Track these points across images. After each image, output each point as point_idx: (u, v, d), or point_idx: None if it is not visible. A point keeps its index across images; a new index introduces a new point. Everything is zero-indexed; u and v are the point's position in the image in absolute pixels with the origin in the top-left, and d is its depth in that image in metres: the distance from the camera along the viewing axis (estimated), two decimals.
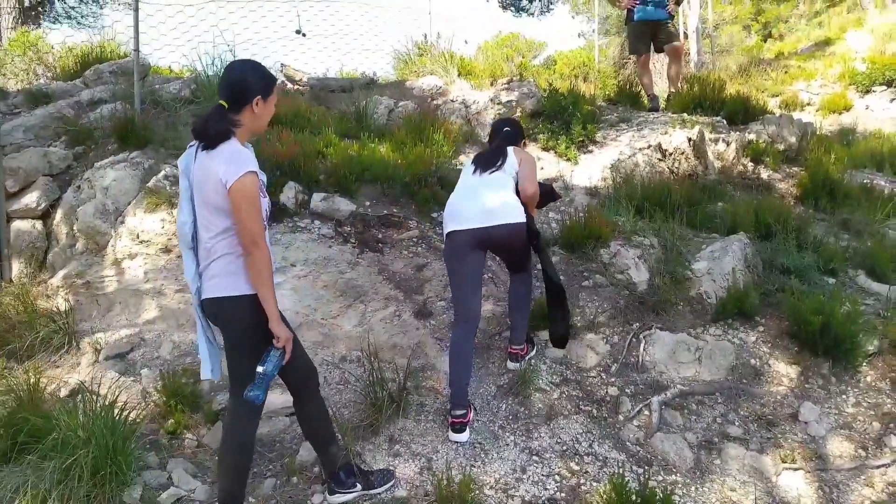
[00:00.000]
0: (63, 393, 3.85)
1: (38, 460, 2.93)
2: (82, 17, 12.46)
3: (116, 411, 3.22)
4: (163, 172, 5.04)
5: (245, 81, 2.59)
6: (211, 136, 2.53)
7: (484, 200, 3.65)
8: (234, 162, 2.46)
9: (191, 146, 2.66)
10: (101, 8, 12.45)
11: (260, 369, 2.54)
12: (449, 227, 3.71)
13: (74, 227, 5.10)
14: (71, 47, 8.14)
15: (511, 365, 3.98)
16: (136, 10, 6.09)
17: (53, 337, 4.31)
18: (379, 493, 3.12)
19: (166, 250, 4.67)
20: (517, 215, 3.64)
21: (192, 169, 2.62)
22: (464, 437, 3.47)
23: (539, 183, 3.88)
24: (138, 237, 4.76)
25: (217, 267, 2.57)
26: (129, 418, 3.32)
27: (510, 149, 3.90)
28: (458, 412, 3.47)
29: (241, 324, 2.60)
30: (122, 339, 4.27)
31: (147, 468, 3.25)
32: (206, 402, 3.70)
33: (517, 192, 3.74)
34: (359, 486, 3.09)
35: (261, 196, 2.56)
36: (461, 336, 3.61)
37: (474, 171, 3.85)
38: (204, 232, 2.58)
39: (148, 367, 4.04)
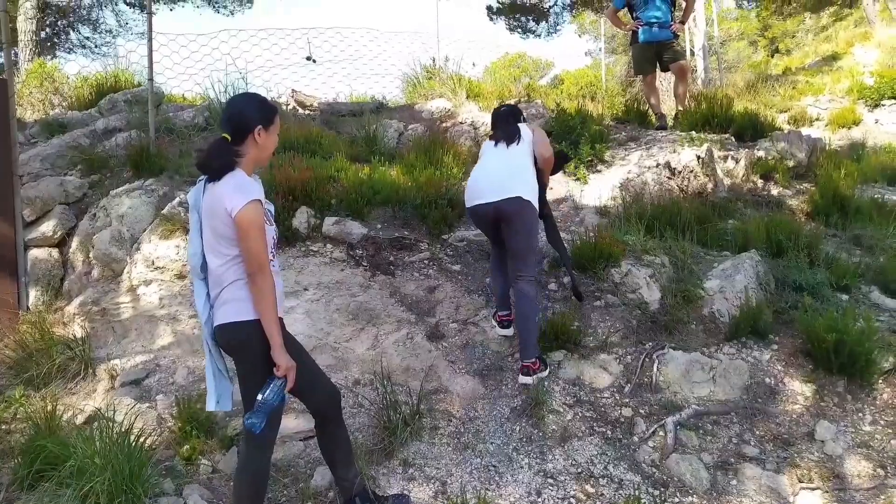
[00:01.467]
0: (79, 420, 3.88)
1: (56, 487, 2.96)
2: (97, 46, 12.72)
3: (132, 438, 3.25)
4: (177, 199, 5.11)
5: (244, 113, 2.64)
6: (214, 169, 2.59)
7: (503, 175, 4.04)
8: (238, 192, 2.51)
9: (200, 180, 2.71)
10: (115, 38, 12.69)
11: (260, 397, 2.55)
12: (469, 202, 4.15)
13: (90, 255, 5.18)
14: (86, 77, 8.32)
15: (522, 379, 3.95)
16: (150, 39, 6.22)
17: (70, 364, 4.36)
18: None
19: (181, 276, 4.73)
20: (529, 193, 3.98)
21: (200, 202, 2.67)
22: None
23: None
24: (153, 264, 4.82)
25: (227, 293, 2.61)
26: (145, 444, 3.34)
27: (519, 124, 4.31)
28: (503, 313, 4.27)
29: (251, 349, 2.61)
30: (137, 366, 4.31)
31: (163, 494, 3.26)
32: (221, 428, 3.72)
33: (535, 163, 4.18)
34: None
35: (267, 224, 2.62)
36: (498, 272, 4.32)
37: (496, 145, 4.24)
38: (215, 259, 2.63)
39: (163, 392, 4.07)
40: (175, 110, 7.18)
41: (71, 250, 5.38)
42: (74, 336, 4.61)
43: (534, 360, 3.97)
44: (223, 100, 7.13)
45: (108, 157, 6.00)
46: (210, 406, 2.79)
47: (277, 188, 4.98)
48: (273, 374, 2.57)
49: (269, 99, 2.82)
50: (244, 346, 2.63)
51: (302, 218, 5.03)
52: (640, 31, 7.49)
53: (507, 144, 4.16)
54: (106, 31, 13.13)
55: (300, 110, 8.45)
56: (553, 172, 4.55)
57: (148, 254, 4.86)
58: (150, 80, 6.27)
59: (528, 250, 4.04)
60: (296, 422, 3.73)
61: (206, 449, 3.60)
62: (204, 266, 2.70)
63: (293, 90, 8.81)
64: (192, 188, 2.75)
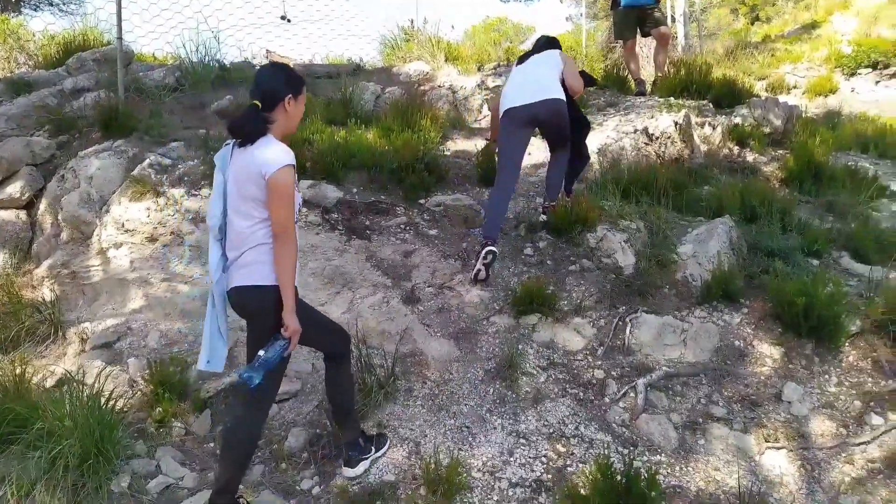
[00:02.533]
0: (49, 383, 3.84)
1: (24, 450, 2.94)
2: (64, 3, 12.29)
3: (103, 400, 3.24)
4: (147, 161, 5.01)
5: (276, 83, 2.75)
6: (247, 134, 2.68)
7: (534, 80, 4.55)
8: (273, 157, 2.61)
9: (227, 144, 2.80)
10: None
11: (261, 353, 2.61)
12: (504, 106, 4.55)
13: (59, 217, 5.07)
14: (53, 35, 8.05)
15: (542, 218, 4.92)
16: None
17: (39, 327, 4.30)
18: (381, 456, 3.27)
19: (152, 239, 4.65)
20: (559, 93, 4.50)
21: (227, 165, 2.76)
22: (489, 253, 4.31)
23: (580, 72, 4.87)
24: (123, 226, 4.73)
25: (251, 256, 2.68)
26: (117, 407, 3.33)
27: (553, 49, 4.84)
28: (487, 241, 4.34)
29: (272, 313, 2.67)
30: (108, 329, 4.26)
31: (135, 457, 3.26)
32: (194, 391, 3.71)
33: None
34: (373, 450, 3.25)
35: (295, 191, 2.72)
36: (498, 197, 4.55)
37: (525, 60, 4.80)
38: (241, 221, 2.70)
39: (135, 356, 4.03)
40: (145, 70, 6.99)
41: (39, 212, 5.26)
42: (44, 299, 4.54)
43: (555, 202, 4.85)
44: (194, 59, 6.96)
45: (76, 117, 5.84)
46: (201, 365, 2.83)
47: None
48: (279, 334, 2.65)
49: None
50: (266, 310, 2.69)
51: None
52: None
53: (535, 53, 4.79)
54: None
55: None
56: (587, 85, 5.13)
57: (118, 216, 4.77)
58: (120, 38, 6.09)
59: (565, 142, 4.74)
60: None
61: (178, 412, 3.59)
62: (222, 228, 2.78)
63: (267, 50, 8.63)
64: (220, 151, 2.82)
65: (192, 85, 6.72)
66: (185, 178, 4.94)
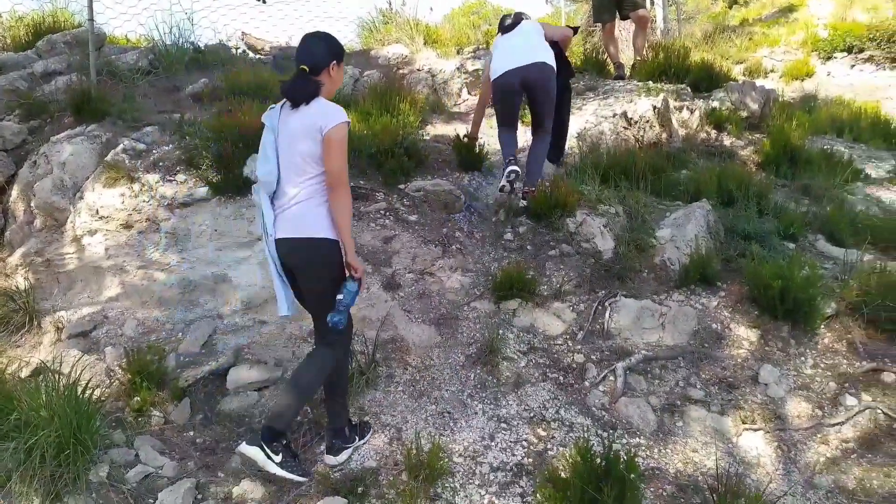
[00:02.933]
0: (25, 373, 3.79)
1: None
2: None
3: (80, 390, 3.19)
4: (121, 146, 4.91)
5: (322, 49, 3.01)
6: (303, 95, 2.90)
7: (525, 46, 4.75)
8: (330, 113, 2.86)
9: (272, 108, 3.03)
10: None
11: (339, 297, 2.88)
12: (494, 75, 4.80)
13: (32, 204, 4.97)
14: (21, 16, 7.81)
15: (522, 203, 4.93)
16: None
17: (13, 316, 4.24)
18: (363, 444, 3.30)
19: (127, 226, 4.58)
20: (551, 60, 4.73)
21: (277, 124, 2.95)
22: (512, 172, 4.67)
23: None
24: (98, 213, 4.65)
25: (301, 208, 2.89)
26: (94, 396, 3.29)
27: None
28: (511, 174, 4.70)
29: (329, 263, 2.93)
30: (84, 318, 4.20)
31: (113, 446, 3.23)
32: (172, 380, 3.67)
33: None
34: (357, 438, 3.28)
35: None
36: (508, 135, 4.99)
37: (507, 31, 4.93)
38: (296, 177, 2.89)
39: (112, 344, 3.99)
40: (118, 52, 6.84)
41: (11, 199, 5.15)
42: (17, 287, 4.46)
43: (535, 188, 4.85)
44: (168, 42, 6.83)
45: (47, 101, 5.70)
46: (282, 311, 3.00)
47: (227, 134, 4.82)
48: (349, 278, 2.92)
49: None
50: (324, 260, 2.92)
51: (253, 166, 4.88)
52: None
53: (516, 24, 4.91)
54: None
55: (251, 54, 8.16)
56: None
57: (92, 202, 4.68)
58: (91, 20, 5.95)
59: (552, 110, 4.90)
60: (249, 372, 3.71)
61: (157, 400, 3.56)
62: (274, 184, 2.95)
63: (243, 32, 8.48)
64: (268, 112, 3.02)
65: (165, 68, 6.60)
66: (160, 164, 4.85)
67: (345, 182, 2.87)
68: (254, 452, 2.89)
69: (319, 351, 3.10)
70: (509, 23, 5.00)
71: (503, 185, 4.77)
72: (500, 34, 5.07)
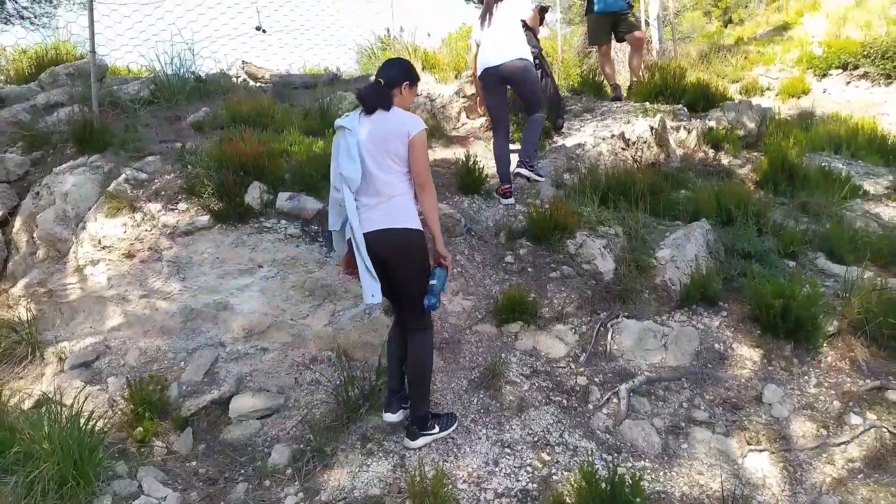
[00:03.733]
0: (27, 404, 3.78)
1: (1, 474, 2.88)
2: (35, 17, 12.08)
3: (82, 421, 3.18)
4: (123, 176, 4.95)
5: (399, 70, 3.38)
6: (378, 102, 3.22)
7: (501, 41, 5.26)
8: (414, 122, 3.22)
9: (347, 115, 3.35)
10: (56, 8, 12.09)
11: (432, 282, 3.23)
12: (480, 68, 5.38)
13: (34, 235, 5.00)
14: (24, 49, 7.93)
15: (518, 170, 5.45)
16: (91, 9, 5.94)
17: (16, 347, 4.24)
18: (443, 436, 3.46)
19: (129, 255, 4.60)
20: (526, 53, 5.28)
21: (358, 127, 3.22)
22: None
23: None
24: (100, 243, 4.67)
25: (393, 203, 3.17)
26: (96, 428, 3.27)
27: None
28: (505, 186, 5.40)
29: (417, 251, 3.24)
30: (86, 348, 4.20)
31: (116, 477, 3.21)
32: (174, 409, 3.66)
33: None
34: (437, 428, 3.45)
35: None
36: (501, 151, 5.43)
37: (483, 24, 5.41)
38: (382, 175, 3.17)
39: (114, 375, 3.98)
40: (119, 83, 6.92)
41: (14, 230, 5.19)
42: (20, 318, 4.47)
43: (528, 159, 5.46)
44: (169, 72, 6.91)
45: (50, 133, 5.76)
46: (368, 300, 3.13)
47: (228, 163, 4.86)
48: (438, 265, 3.31)
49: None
50: (413, 248, 3.23)
51: (254, 194, 4.92)
52: (595, 1, 7.47)
53: (492, 13, 5.37)
54: (45, 1, 12.50)
55: (251, 82, 8.24)
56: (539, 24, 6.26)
57: (94, 233, 4.71)
58: (93, 52, 6.02)
59: (535, 95, 5.49)
60: (252, 401, 3.70)
61: (159, 431, 3.55)
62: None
63: (244, 61, 8.58)
64: (345, 118, 3.32)
65: (167, 98, 6.66)
66: (162, 193, 4.88)
67: (430, 180, 3.25)
68: (423, 442, 3.38)
69: (416, 338, 3.35)
70: (483, 11, 5.51)
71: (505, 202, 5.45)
72: (477, 21, 5.60)
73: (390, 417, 3.45)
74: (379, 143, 3.18)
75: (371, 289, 3.12)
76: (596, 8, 7.54)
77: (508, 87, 5.47)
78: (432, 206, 3.25)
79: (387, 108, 3.22)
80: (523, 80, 5.34)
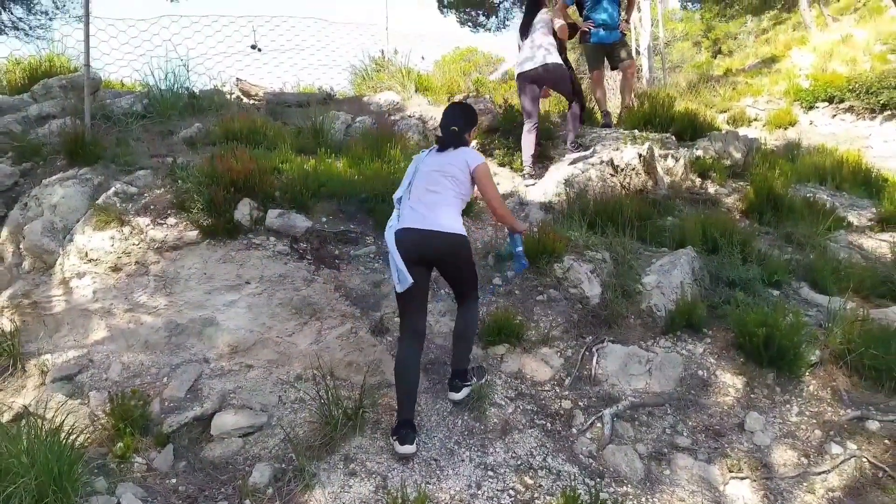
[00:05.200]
0: (6, 417, 3.73)
1: None
2: (31, 29, 12.13)
3: (63, 435, 3.14)
4: (112, 189, 4.95)
5: (468, 119, 4.05)
6: (453, 143, 3.87)
7: (533, 48, 6.56)
8: (476, 155, 3.87)
9: (423, 151, 4.03)
10: (51, 20, 12.15)
11: (518, 249, 4.04)
12: (517, 71, 6.73)
13: (21, 246, 4.98)
14: (18, 60, 7.94)
15: (569, 147, 6.77)
16: (87, 23, 5.99)
17: None
18: (480, 384, 3.88)
19: (116, 269, 4.58)
20: (554, 56, 6.49)
21: (422, 163, 3.87)
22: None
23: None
24: (87, 256, 4.66)
25: (446, 214, 3.66)
26: (77, 442, 3.24)
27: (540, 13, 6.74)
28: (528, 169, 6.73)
29: (466, 251, 3.74)
30: (69, 361, 4.17)
31: (95, 493, 3.16)
32: (155, 425, 3.63)
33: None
34: (475, 379, 3.88)
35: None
36: (529, 128, 6.63)
37: (525, 36, 6.80)
38: (433, 195, 3.70)
39: (96, 389, 3.94)
40: (113, 97, 6.95)
41: (0, 241, 5.15)
42: (3, 330, 4.42)
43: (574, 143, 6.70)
44: (163, 87, 6.94)
45: (41, 144, 5.76)
46: (402, 287, 3.54)
47: (219, 179, 4.87)
48: (518, 235, 4.06)
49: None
50: (463, 248, 3.70)
51: (244, 210, 4.94)
52: (591, 32, 7.59)
53: (526, 35, 6.75)
54: (41, 13, 12.51)
55: (245, 99, 8.28)
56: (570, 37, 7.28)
57: (81, 245, 4.69)
58: (87, 65, 6.05)
59: (568, 92, 6.61)
60: (235, 418, 3.67)
61: (140, 447, 3.51)
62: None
63: (238, 79, 8.63)
64: (420, 154, 4.01)
65: (160, 112, 6.69)
66: (151, 207, 4.89)
67: (501, 203, 3.94)
68: (465, 392, 3.80)
69: (471, 304, 3.86)
70: (525, 14, 6.93)
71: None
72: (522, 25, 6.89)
73: (408, 449, 3.41)
74: (443, 170, 3.76)
75: (404, 276, 3.53)
76: (591, 40, 7.67)
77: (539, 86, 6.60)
78: (506, 212, 3.98)
79: (456, 147, 3.87)
80: (556, 81, 6.55)
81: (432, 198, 3.69)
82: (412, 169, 3.90)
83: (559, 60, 6.48)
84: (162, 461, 3.46)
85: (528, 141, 6.57)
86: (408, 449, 3.39)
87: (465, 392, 3.79)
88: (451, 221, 3.66)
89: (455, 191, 3.74)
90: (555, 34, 6.67)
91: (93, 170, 5.32)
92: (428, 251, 3.63)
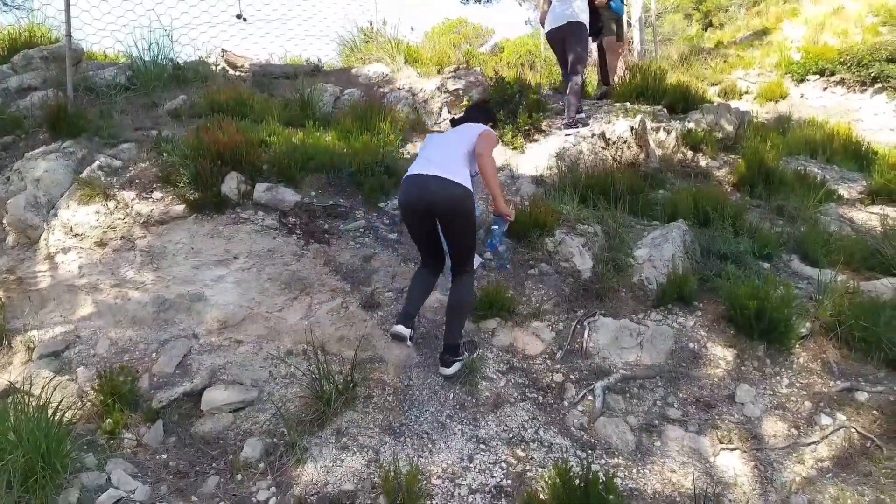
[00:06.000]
0: None
1: None
2: None
3: (50, 412, 3.11)
4: (97, 163, 4.87)
5: (491, 115, 4.49)
6: (469, 120, 4.25)
7: (560, 10, 6.68)
8: (487, 126, 4.12)
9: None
10: None
11: (494, 227, 4.01)
12: (546, 28, 6.96)
13: (4, 221, 4.89)
14: None
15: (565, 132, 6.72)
16: None
17: None
18: (471, 359, 3.91)
19: (101, 244, 4.52)
20: (581, 16, 6.65)
21: (436, 134, 4.34)
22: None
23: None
24: (72, 230, 4.58)
25: (458, 170, 3.77)
26: (65, 419, 3.21)
27: None
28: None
29: (467, 208, 3.75)
30: (56, 337, 4.11)
31: (84, 470, 3.15)
32: (145, 401, 3.60)
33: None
34: (466, 354, 3.90)
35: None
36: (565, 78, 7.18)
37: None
38: (452, 154, 3.88)
39: (84, 365, 3.90)
40: (95, 68, 6.79)
41: None
42: None
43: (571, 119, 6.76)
44: (146, 58, 6.80)
45: (22, 117, 5.64)
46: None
47: (205, 152, 4.79)
48: (497, 219, 4.02)
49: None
50: (465, 200, 3.73)
51: (231, 184, 4.86)
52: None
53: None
54: None
55: (231, 71, 8.14)
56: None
57: (66, 220, 4.61)
58: (68, 35, 5.91)
59: (578, 57, 6.64)
60: (225, 393, 3.65)
61: (129, 422, 3.48)
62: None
63: (223, 49, 8.46)
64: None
65: (144, 84, 6.56)
66: (136, 181, 4.81)
67: (489, 154, 3.88)
68: (456, 368, 3.82)
69: (464, 280, 3.88)
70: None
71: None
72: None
73: (401, 330, 3.79)
74: (461, 135, 4.01)
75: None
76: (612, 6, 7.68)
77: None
78: (492, 169, 3.85)
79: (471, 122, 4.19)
80: (578, 40, 6.63)
81: (442, 153, 3.89)
82: (426, 143, 4.15)
83: (585, 21, 6.62)
84: (152, 437, 3.44)
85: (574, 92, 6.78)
86: (400, 329, 3.78)
87: (455, 367, 3.81)
88: (456, 174, 3.76)
89: (464, 150, 3.91)
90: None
91: (76, 143, 5.22)
92: (431, 196, 3.73)
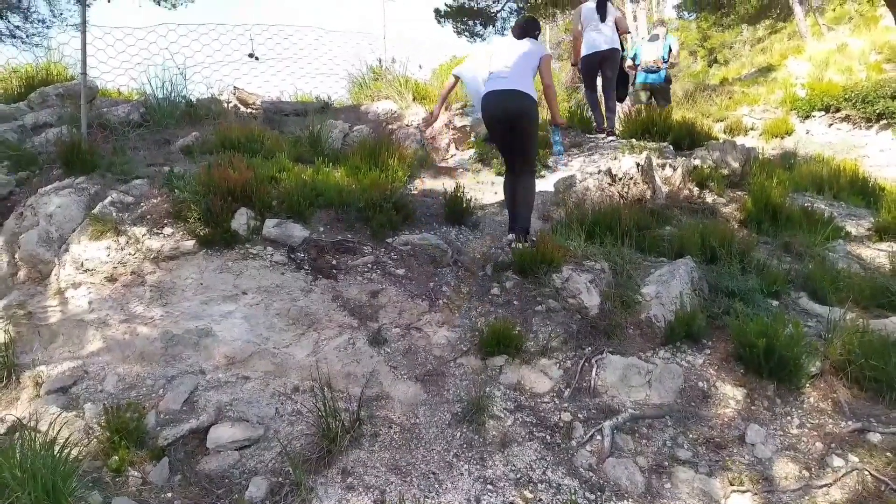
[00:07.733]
0: (0, 430, 3.69)
1: None
2: (27, 37, 12.11)
3: (57, 448, 3.10)
4: (109, 199, 4.93)
5: (538, 25, 5.56)
6: (528, 34, 5.33)
7: (600, 36, 8.03)
8: (544, 47, 5.33)
9: (497, 37, 6.38)
10: (48, 28, 12.14)
11: (556, 137, 5.75)
12: (584, 52, 8.24)
13: (16, 256, 4.94)
14: (15, 68, 7.93)
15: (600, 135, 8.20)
16: (84, 31, 5.98)
17: None
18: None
19: (111, 279, 4.55)
20: (616, 44, 8.14)
21: (500, 46, 5.53)
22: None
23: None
24: (83, 266, 4.62)
25: (521, 81, 5.04)
26: (71, 455, 3.20)
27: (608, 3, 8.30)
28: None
29: (534, 114, 5.12)
30: (64, 372, 4.12)
31: None
32: (151, 438, 3.59)
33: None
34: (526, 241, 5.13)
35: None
36: (592, 98, 8.53)
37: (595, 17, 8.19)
38: (519, 70, 5.12)
39: (91, 401, 3.90)
40: (110, 105, 6.93)
41: None
42: None
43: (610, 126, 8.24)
44: (160, 95, 6.93)
45: (37, 153, 5.74)
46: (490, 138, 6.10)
47: (216, 188, 4.84)
48: (555, 129, 5.70)
49: None
50: (533, 108, 5.08)
51: (241, 220, 4.91)
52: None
53: (603, 18, 8.07)
54: (38, 21, 12.49)
55: (242, 108, 8.27)
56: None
57: (77, 255, 4.66)
58: (84, 73, 6.04)
59: (613, 76, 8.09)
60: (231, 431, 3.64)
61: (135, 460, 3.46)
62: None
63: (235, 87, 8.62)
64: (497, 39, 5.77)
65: (157, 121, 6.67)
66: (148, 217, 4.86)
67: (552, 84, 5.27)
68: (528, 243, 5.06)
69: (524, 176, 5.26)
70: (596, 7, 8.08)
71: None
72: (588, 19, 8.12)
73: (510, 237, 5.24)
74: (519, 50, 5.15)
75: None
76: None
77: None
78: (553, 95, 5.30)
79: (531, 37, 5.31)
80: (612, 66, 8.05)
81: (512, 70, 5.02)
82: (491, 50, 5.41)
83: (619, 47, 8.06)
84: (157, 475, 3.42)
85: (594, 105, 8.33)
86: (510, 237, 5.25)
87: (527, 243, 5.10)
88: (526, 87, 4.95)
89: (529, 69, 5.08)
90: (617, 27, 8.07)
91: (89, 179, 5.30)
92: (509, 105, 4.98)
